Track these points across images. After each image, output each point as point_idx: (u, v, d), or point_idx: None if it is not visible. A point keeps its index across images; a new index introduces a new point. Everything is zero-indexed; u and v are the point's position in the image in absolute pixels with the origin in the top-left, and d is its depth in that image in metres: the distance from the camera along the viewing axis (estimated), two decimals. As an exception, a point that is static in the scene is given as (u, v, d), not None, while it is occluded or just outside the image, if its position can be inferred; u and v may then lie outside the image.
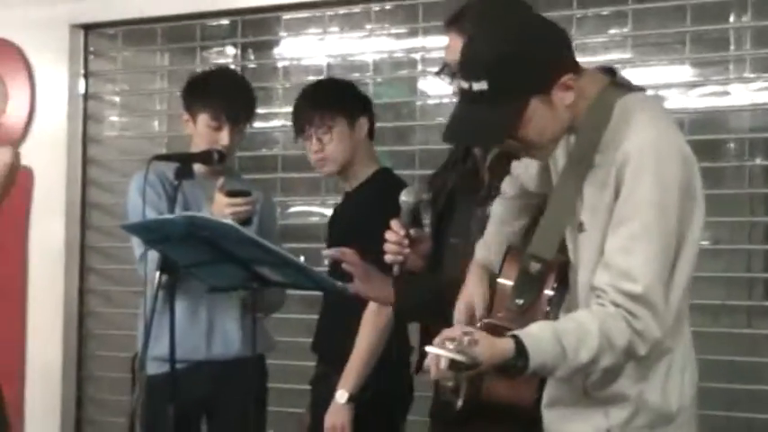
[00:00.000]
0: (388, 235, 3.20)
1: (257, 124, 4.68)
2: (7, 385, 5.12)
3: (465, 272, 3.16)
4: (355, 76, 5.56)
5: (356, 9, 5.65)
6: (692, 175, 2.79)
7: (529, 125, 2.74)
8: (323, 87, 4.51)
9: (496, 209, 3.20)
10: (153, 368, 4.16)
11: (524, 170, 3.14)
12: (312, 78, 5.55)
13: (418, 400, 4.11)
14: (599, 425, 2.82)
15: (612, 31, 5.01)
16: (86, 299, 6.36)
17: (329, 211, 4.75)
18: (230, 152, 4.42)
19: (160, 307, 4.00)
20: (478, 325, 2.91)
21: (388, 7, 5.58)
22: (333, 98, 4.26)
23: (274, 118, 5.70)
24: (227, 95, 4.44)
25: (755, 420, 4.61)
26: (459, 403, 2.70)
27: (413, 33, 5.56)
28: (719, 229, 4.87)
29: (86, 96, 6.38)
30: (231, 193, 4.10)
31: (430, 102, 5.52)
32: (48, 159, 6.25)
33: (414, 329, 3.95)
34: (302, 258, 3.78)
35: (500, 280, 3.01)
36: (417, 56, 5.53)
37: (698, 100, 5.00)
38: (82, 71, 6.36)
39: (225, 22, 6.14)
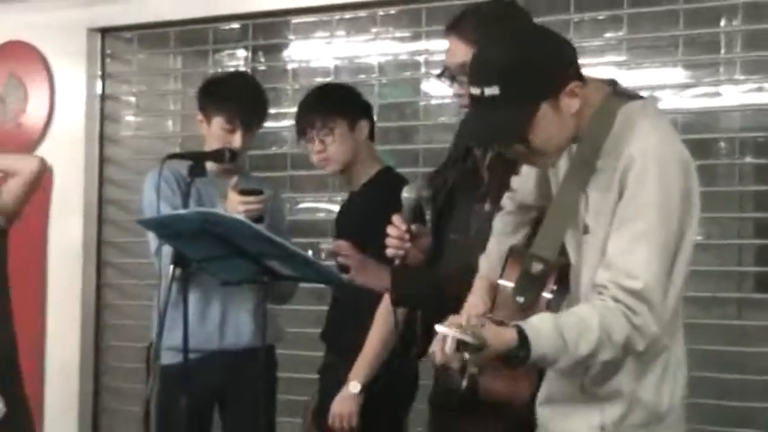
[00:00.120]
0: (390, 230, 3.21)
1: (267, 124, 4.68)
2: (28, 375, 5.16)
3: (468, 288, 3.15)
4: (361, 77, 5.58)
5: (362, 13, 5.66)
6: (692, 180, 2.80)
7: (537, 130, 2.74)
8: (324, 92, 4.51)
9: (496, 224, 3.19)
10: (167, 358, 4.17)
11: (523, 183, 3.14)
12: (320, 80, 5.57)
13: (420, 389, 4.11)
14: (593, 421, 2.82)
15: (608, 35, 5.01)
16: (103, 292, 6.37)
17: (336, 208, 4.75)
18: (242, 153, 4.43)
19: (174, 299, 4.00)
20: None
21: (392, 12, 5.58)
22: (333, 102, 4.27)
23: (284, 118, 5.70)
24: (241, 100, 4.45)
25: (746, 409, 4.61)
26: (464, 384, 2.69)
27: (416, 37, 5.56)
28: (711, 224, 4.87)
29: (103, 97, 6.39)
30: (244, 192, 4.11)
31: (433, 102, 5.53)
32: (66, 158, 6.27)
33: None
34: (310, 252, 3.78)
35: (501, 281, 3.00)
36: (421, 58, 5.54)
37: (690, 101, 5.00)
38: (99, 73, 6.38)
39: (236, 25, 6.14)
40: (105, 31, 6.37)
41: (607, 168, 2.77)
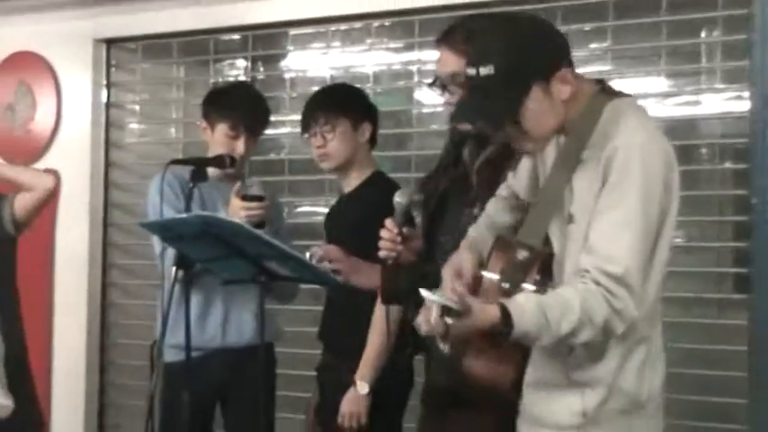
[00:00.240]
0: (383, 233, 3.22)
1: (266, 131, 4.69)
2: (36, 371, 5.16)
3: None
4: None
5: (357, 25, 5.66)
6: (673, 174, 2.83)
7: (528, 112, 2.78)
8: (332, 91, 4.56)
9: (489, 206, 3.21)
10: (170, 356, 4.19)
11: (516, 180, 3.15)
12: (316, 89, 5.57)
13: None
14: (575, 407, 2.83)
15: (594, 46, 5.02)
16: (109, 292, 6.37)
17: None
18: (245, 159, 4.43)
19: (177, 299, 4.01)
20: None
21: (386, 24, 5.59)
22: (339, 101, 4.27)
23: (282, 125, 5.71)
24: (245, 108, 4.47)
25: (726, 405, 4.62)
26: (446, 349, 2.68)
27: (409, 48, 5.57)
28: (692, 227, 4.88)
29: (108, 105, 6.40)
30: (247, 198, 4.11)
31: (425, 110, 5.53)
32: (73, 163, 6.28)
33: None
34: (308, 255, 3.78)
35: (485, 273, 2.99)
36: (414, 68, 5.54)
37: (672, 109, 5.00)
38: (104, 82, 6.38)
39: (236, 36, 6.14)
40: (110, 42, 6.37)
41: (592, 160, 2.80)
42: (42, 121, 6.42)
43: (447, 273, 3.02)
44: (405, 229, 3.37)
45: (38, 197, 4.96)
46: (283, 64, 6.12)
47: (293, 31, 5.88)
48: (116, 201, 6.38)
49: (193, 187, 4.08)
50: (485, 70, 2.75)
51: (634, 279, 2.70)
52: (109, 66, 6.40)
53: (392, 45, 5.69)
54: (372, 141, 4.30)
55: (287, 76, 6.03)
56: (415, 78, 5.53)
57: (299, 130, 5.41)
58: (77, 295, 6.28)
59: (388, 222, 3.36)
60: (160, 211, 4.16)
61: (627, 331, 2.77)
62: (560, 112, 2.83)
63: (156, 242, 4.31)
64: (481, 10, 4.64)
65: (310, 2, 5.60)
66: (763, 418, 4.37)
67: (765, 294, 4.38)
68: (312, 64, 5.91)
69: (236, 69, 6.30)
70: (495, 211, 3.18)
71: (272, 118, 4.74)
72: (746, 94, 4.57)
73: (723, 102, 4.88)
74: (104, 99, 6.38)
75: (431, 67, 3.58)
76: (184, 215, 3.89)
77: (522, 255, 2.88)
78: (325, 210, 4.55)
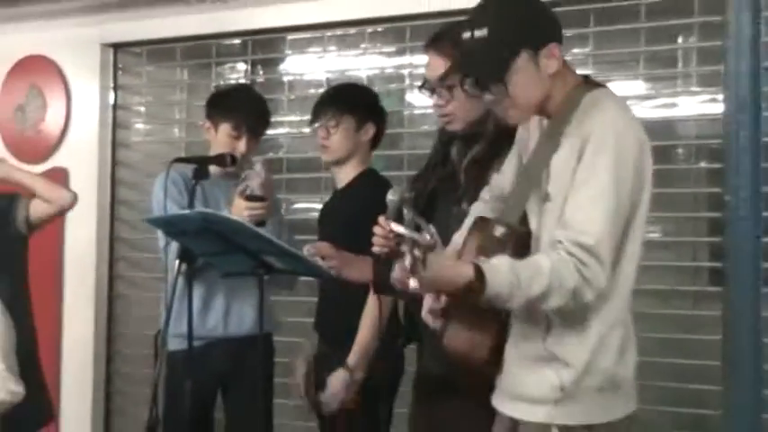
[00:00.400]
0: (376, 230, 3.21)
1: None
2: (46, 360, 5.15)
3: None
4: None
5: (352, 31, 5.66)
6: (645, 160, 2.85)
7: (515, 77, 2.82)
8: (344, 89, 4.58)
9: (473, 208, 3.21)
10: (174, 344, 4.18)
11: (502, 176, 3.15)
12: (313, 91, 5.59)
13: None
14: (553, 381, 2.82)
15: (576, 51, 5.02)
16: (115, 284, 6.37)
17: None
18: (246, 159, 4.43)
19: (180, 291, 4.02)
20: None
21: (379, 29, 5.58)
22: (347, 100, 4.28)
23: (280, 126, 5.71)
24: (247, 109, 4.49)
25: (701, 392, 4.63)
26: (413, 284, 2.68)
27: (401, 52, 5.57)
28: (669, 223, 4.89)
29: (115, 106, 6.40)
30: (250, 198, 4.11)
31: (416, 112, 5.53)
32: (81, 161, 6.28)
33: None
34: (305, 249, 3.78)
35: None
36: (405, 72, 5.54)
37: (650, 111, 5.00)
38: (111, 84, 6.38)
39: (237, 41, 6.14)
40: (117, 47, 6.37)
41: (569, 141, 2.81)
42: (52, 121, 6.42)
43: None
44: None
45: (52, 211, 4.96)
46: (281, 67, 6.12)
47: (291, 36, 5.87)
48: (122, 197, 6.38)
49: (196, 184, 4.07)
50: (479, 33, 2.81)
51: (604, 251, 2.71)
52: (116, 69, 6.40)
53: (385, 50, 5.69)
54: (375, 141, 4.31)
55: (285, 78, 6.02)
56: (407, 81, 5.53)
57: (296, 130, 5.42)
58: (85, 287, 6.28)
59: (381, 220, 3.36)
60: (164, 207, 4.17)
61: (605, 311, 2.80)
62: (546, 85, 2.87)
63: (160, 237, 4.32)
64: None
65: (307, 8, 5.60)
66: (736, 404, 4.37)
67: (738, 287, 4.38)
68: (309, 67, 5.91)
69: (237, 72, 6.30)
70: (478, 213, 3.19)
71: (271, 119, 4.74)
72: (721, 97, 4.57)
73: (699, 104, 4.89)
74: (111, 101, 6.38)
75: (421, 71, 3.57)
76: (187, 211, 3.89)
77: (500, 231, 2.89)
78: (320, 206, 4.54)
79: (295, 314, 5.20)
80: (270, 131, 4.82)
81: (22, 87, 6.50)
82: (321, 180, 5.49)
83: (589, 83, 2.96)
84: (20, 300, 4.71)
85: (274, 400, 4.57)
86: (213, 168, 4.35)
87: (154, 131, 6.53)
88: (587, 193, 2.74)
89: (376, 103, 4.38)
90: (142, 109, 6.52)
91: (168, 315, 3.98)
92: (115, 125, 6.39)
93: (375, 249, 3.32)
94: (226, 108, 4.49)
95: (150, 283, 6.00)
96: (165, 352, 4.11)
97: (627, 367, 2.88)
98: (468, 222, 3.13)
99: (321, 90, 5.35)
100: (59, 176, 6.27)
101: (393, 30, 5.54)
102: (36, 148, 6.42)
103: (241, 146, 4.41)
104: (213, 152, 4.44)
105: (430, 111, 4.59)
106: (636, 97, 4.96)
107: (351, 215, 3.98)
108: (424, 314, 3.01)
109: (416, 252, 2.61)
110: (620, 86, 5.00)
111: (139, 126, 6.52)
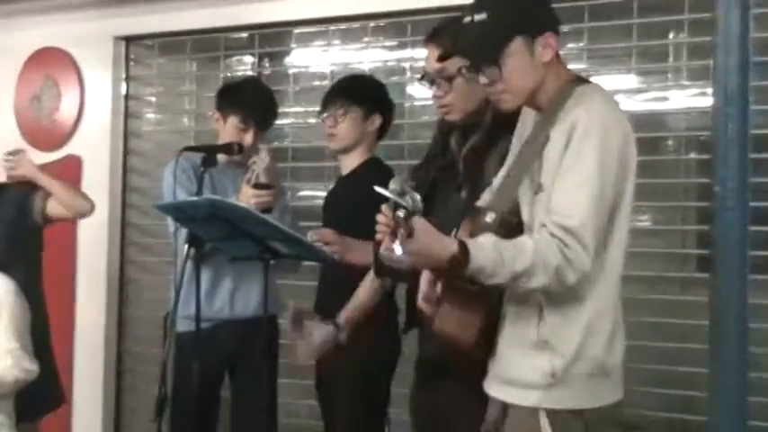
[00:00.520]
0: (379, 217, 3.21)
1: (271, 122, 4.69)
2: (60, 341, 5.17)
3: None
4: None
5: (355, 25, 5.65)
6: (630, 150, 2.84)
7: (509, 60, 2.82)
8: (353, 80, 4.57)
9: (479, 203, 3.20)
10: (183, 326, 4.19)
11: (502, 169, 3.14)
12: (318, 83, 5.59)
13: (405, 356, 4.10)
14: (544, 367, 2.81)
15: (571, 45, 5.00)
16: (126, 268, 6.37)
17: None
18: (252, 149, 4.42)
19: (189, 275, 4.02)
20: None
21: (381, 24, 5.57)
22: (355, 91, 4.28)
23: (286, 116, 5.70)
24: (255, 104, 4.50)
25: (688, 374, 4.63)
26: (398, 251, 2.68)
27: (402, 46, 5.56)
28: (658, 212, 4.89)
29: (127, 97, 6.38)
30: (257, 186, 4.11)
31: (416, 104, 5.52)
32: (94, 150, 6.28)
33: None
34: (308, 235, 3.78)
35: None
36: (406, 65, 5.52)
37: (642, 104, 5.00)
38: (124, 76, 6.37)
39: (244, 35, 6.13)
40: (129, 39, 6.36)
41: (558, 132, 2.80)
42: (66, 111, 6.41)
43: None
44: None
45: (68, 215, 5.00)
46: (287, 60, 6.11)
47: (297, 30, 5.86)
48: (134, 184, 6.37)
49: (204, 172, 4.08)
50: (478, 17, 2.82)
51: (587, 233, 2.70)
52: (128, 61, 6.39)
53: (387, 44, 5.68)
54: (381, 132, 4.30)
55: (290, 71, 6.02)
56: (408, 74, 5.51)
57: (301, 120, 5.41)
58: (98, 271, 6.28)
59: (384, 207, 3.36)
60: (174, 194, 4.17)
61: (595, 297, 2.80)
62: (539, 73, 2.87)
63: (170, 222, 4.32)
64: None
65: (312, 3, 5.59)
66: (722, 386, 4.38)
67: (725, 274, 4.39)
68: (314, 60, 5.90)
69: (244, 65, 6.29)
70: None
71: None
72: (710, 90, 4.57)
73: (688, 98, 4.88)
74: (123, 91, 6.37)
75: (422, 64, 3.57)
76: (196, 198, 3.90)
77: (491, 217, 2.88)
78: (324, 194, 4.54)
79: (300, 297, 5.19)
80: (276, 122, 4.82)
81: (37, 78, 6.50)
82: (325, 169, 5.49)
83: (580, 79, 2.96)
84: (33, 287, 4.72)
85: (279, 379, 4.58)
86: (221, 157, 4.35)
87: (164, 121, 6.52)
88: (573, 179, 2.74)
89: (384, 94, 4.38)
90: (153, 99, 6.50)
91: (177, 298, 4.00)
92: (127, 115, 6.38)
93: (378, 237, 3.33)
94: (235, 101, 4.49)
95: (160, 267, 5.99)
96: (174, 333, 4.12)
97: (616, 355, 2.87)
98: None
99: (325, 82, 5.37)
100: (73, 164, 6.28)
101: (394, 24, 5.53)
102: (51, 137, 6.42)
103: (248, 138, 4.42)
104: (221, 141, 4.44)
105: (429, 102, 4.59)
106: (628, 91, 4.96)
107: (354, 201, 3.97)
108: (420, 301, 3.00)
109: (400, 214, 2.61)
110: (614, 80, 5.01)
111: (150, 116, 6.51)
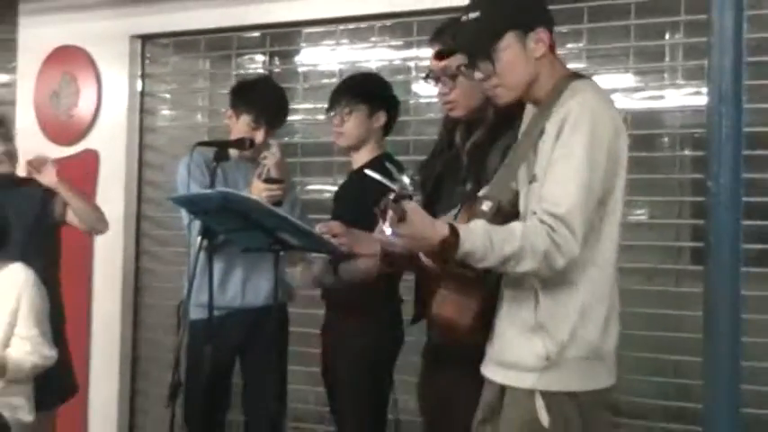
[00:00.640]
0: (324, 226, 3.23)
1: (281, 118, 4.69)
2: (76, 329, 5.18)
3: None
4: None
5: (363, 25, 5.65)
6: (620, 144, 2.84)
7: (502, 55, 2.83)
8: (358, 79, 4.57)
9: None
10: (196, 314, 4.18)
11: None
12: (326, 81, 5.59)
13: (413, 344, 4.09)
14: (540, 352, 2.82)
15: (570, 45, 5.00)
16: (141, 258, 6.38)
17: (339, 190, 4.74)
18: (262, 146, 4.41)
19: (202, 265, 4.03)
20: None
21: (388, 24, 5.57)
22: (360, 89, 4.27)
23: (295, 113, 5.69)
24: (267, 104, 4.50)
25: (682, 362, 4.63)
26: (388, 231, 2.69)
27: (408, 45, 5.56)
28: (654, 207, 4.89)
29: (143, 94, 6.39)
30: (268, 180, 4.12)
31: (421, 101, 5.52)
32: (111, 144, 6.29)
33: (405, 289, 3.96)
34: (317, 227, 3.78)
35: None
36: (412, 63, 5.53)
37: (639, 102, 4.99)
38: (139, 73, 6.38)
39: (256, 34, 6.13)
40: (145, 38, 6.37)
41: (552, 124, 2.80)
42: (84, 107, 6.42)
43: None
44: None
45: (82, 227, 5.01)
46: (297, 59, 6.10)
47: (306, 30, 5.86)
48: (149, 178, 6.38)
49: (216, 166, 4.08)
50: (473, 15, 2.85)
51: (575, 220, 2.71)
52: (143, 59, 6.39)
53: (393, 43, 5.68)
54: (387, 128, 4.30)
55: (300, 69, 6.02)
56: (413, 73, 5.51)
57: (310, 117, 5.42)
58: (114, 262, 6.29)
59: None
60: (188, 187, 4.18)
61: (588, 283, 2.80)
62: (532, 67, 2.87)
63: (184, 215, 4.32)
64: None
65: (321, 4, 5.59)
66: (716, 375, 4.37)
67: (718, 266, 4.37)
68: (322, 59, 5.90)
69: (256, 63, 6.29)
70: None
71: (288, 107, 4.74)
72: (704, 90, 4.55)
73: (684, 97, 4.88)
74: (139, 88, 6.37)
75: (427, 62, 3.57)
76: (208, 191, 3.90)
77: (487, 206, 2.88)
78: (333, 188, 4.55)
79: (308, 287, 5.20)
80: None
81: (56, 75, 6.50)
82: (333, 164, 5.49)
83: (576, 75, 2.96)
84: (51, 279, 4.73)
85: (288, 366, 4.59)
86: (233, 151, 4.36)
87: (178, 117, 6.51)
88: (563, 169, 2.74)
89: (388, 92, 4.38)
90: (168, 96, 6.51)
91: (190, 287, 4.01)
92: (142, 111, 6.38)
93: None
94: (249, 101, 4.49)
95: (174, 258, 6.01)
96: (187, 321, 4.12)
97: (610, 341, 2.87)
98: None
99: (334, 80, 5.36)
100: (90, 158, 6.30)
101: (401, 25, 5.52)
102: (69, 132, 6.43)
103: (259, 136, 4.41)
104: (233, 137, 4.44)
105: (434, 100, 4.60)
106: (625, 89, 4.96)
107: (362, 195, 3.98)
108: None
109: (390, 196, 2.62)
110: (612, 79, 5.01)
111: (165, 112, 6.52)
